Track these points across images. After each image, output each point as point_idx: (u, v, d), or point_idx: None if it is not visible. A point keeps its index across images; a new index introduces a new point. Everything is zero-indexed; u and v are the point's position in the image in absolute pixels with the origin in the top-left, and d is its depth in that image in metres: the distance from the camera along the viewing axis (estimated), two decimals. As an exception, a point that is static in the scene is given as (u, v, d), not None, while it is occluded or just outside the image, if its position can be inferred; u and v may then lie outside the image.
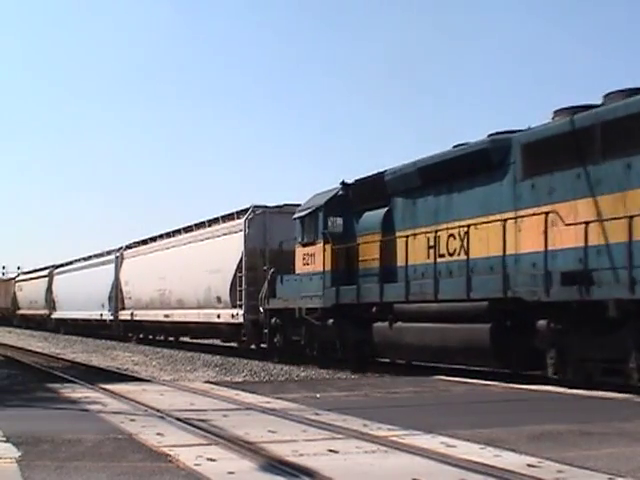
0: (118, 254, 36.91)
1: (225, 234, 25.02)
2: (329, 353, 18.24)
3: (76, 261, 46.10)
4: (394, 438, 6.88)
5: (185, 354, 24.88)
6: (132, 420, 8.09)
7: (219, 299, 24.67)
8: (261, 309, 20.81)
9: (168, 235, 31.58)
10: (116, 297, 36.09)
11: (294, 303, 18.95)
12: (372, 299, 16.24)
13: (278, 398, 10.16)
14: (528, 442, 6.66)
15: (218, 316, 24.57)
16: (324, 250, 17.80)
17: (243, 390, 11.34)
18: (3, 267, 77.62)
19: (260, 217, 23.34)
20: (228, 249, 24.02)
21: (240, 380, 15.74)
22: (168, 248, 30.52)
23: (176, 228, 30.95)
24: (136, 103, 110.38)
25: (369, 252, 16.81)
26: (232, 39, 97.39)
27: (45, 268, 52.67)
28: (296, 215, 19.46)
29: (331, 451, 6.29)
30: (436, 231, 14.87)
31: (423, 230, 15.32)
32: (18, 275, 63.17)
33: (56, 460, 5.92)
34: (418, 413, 9.10)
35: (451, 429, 7.21)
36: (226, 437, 6.96)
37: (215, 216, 26.93)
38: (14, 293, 60.96)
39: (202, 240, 27.13)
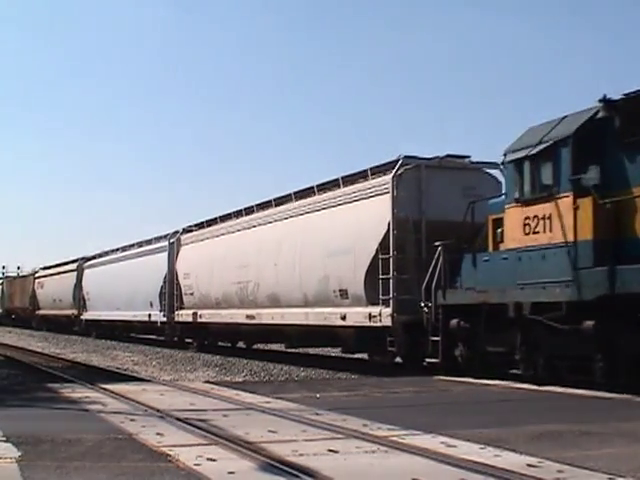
0: (173, 240, 28.79)
1: (356, 199, 17.52)
2: (573, 373, 11.54)
3: (113, 251, 38.23)
4: (394, 438, 6.88)
5: (185, 354, 24.86)
6: (132, 420, 8.09)
7: (344, 293, 17.21)
8: (424, 306, 14.46)
9: (249, 211, 23.54)
10: (170, 294, 28.08)
11: (503, 296, 12.58)
12: None
13: (278, 398, 10.16)
14: (528, 442, 6.65)
15: (343, 317, 17.08)
16: (576, 207, 11.32)
17: (243, 390, 11.34)
18: (3, 267, 75.98)
19: (413, 174, 16.17)
20: (363, 221, 16.88)
21: (240, 380, 15.74)
22: (254, 226, 22.66)
23: (266, 199, 22.65)
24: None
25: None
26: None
27: (72, 261, 44.74)
28: (510, 157, 12.85)
29: (331, 451, 6.29)
30: None
31: None
32: (37, 271, 54.29)
33: (56, 460, 5.92)
34: (418, 413, 9.09)
35: (451, 429, 7.21)
36: (226, 437, 6.96)
37: (335, 177, 19.01)
38: (33, 291, 52.85)
39: (317, 211, 19.24)
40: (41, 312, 50.89)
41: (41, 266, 54.24)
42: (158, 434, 7.12)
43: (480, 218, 14.07)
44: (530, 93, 78.37)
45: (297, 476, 5.40)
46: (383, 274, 15.69)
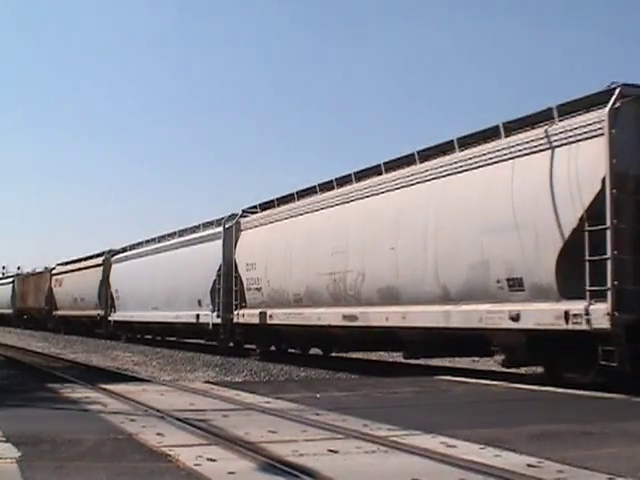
0: (230, 225, 23.60)
1: (535, 149, 12.46)
2: None
3: (148, 242, 32.81)
4: (394, 438, 6.87)
5: (185, 354, 24.85)
6: (132, 420, 8.09)
7: (516, 283, 12.47)
8: None
9: (344, 181, 18.26)
10: (227, 290, 23.08)
11: None
12: None
13: (278, 398, 10.15)
14: (528, 442, 6.65)
15: (514, 317, 12.30)
16: None
17: (243, 390, 11.34)
18: (3, 267, 74.47)
19: (636, 109, 11.28)
20: (555, 179, 11.88)
21: (240, 380, 15.73)
22: (354, 199, 17.46)
23: (371, 165, 17.35)
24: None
25: None
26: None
27: (97, 255, 39.42)
28: None
29: (331, 451, 6.29)
30: None
31: None
32: (54, 267, 48.88)
33: (56, 460, 5.91)
34: (418, 413, 9.09)
35: (451, 429, 7.21)
36: (226, 437, 6.96)
37: (492, 125, 13.74)
38: (50, 289, 47.87)
39: (462, 171, 14.15)
40: (59, 313, 45.89)
41: (58, 262, 49.16)
42: (158, 434, 7.11)
43: None
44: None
45: (297, 476, 5.40)
46: (594, 254, 10.98)
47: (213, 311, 23.93)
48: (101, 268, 37.64)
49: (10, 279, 62.96)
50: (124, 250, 36.22)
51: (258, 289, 21.14)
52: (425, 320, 14.43)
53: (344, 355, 19.75)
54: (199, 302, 25.02)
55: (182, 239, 28.06)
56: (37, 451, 6.30)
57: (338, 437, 7.03)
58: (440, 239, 14.22)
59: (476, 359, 19.18)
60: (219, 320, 23.45)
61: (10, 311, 59.33)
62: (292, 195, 20.60)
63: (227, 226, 23.66)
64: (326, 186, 18.99)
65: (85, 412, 9.01)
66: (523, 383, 11.80)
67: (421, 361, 17.50)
